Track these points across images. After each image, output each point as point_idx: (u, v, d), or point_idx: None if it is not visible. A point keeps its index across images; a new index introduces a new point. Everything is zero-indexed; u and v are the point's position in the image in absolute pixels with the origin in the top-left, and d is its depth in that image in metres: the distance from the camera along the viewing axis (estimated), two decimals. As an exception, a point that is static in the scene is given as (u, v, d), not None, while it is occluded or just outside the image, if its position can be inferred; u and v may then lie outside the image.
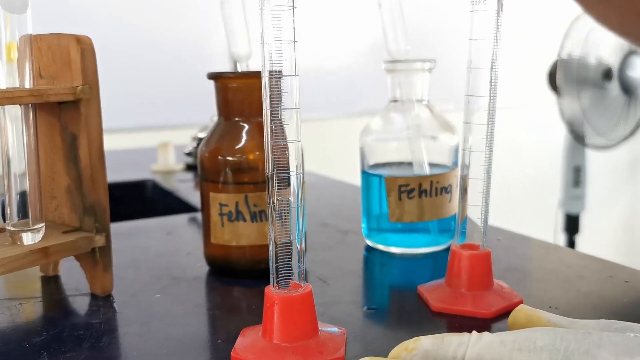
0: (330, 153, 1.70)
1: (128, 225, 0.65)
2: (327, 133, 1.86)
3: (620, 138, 2.17)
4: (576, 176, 2.20)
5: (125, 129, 1.57)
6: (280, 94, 0.33)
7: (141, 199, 0.92)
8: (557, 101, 2.05)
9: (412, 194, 0.51)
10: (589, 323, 0.31)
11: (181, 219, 0.68)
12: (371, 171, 0.54)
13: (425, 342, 0.28)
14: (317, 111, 1.86)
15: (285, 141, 0.33)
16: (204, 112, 1.53)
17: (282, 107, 0.33)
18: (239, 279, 0.47)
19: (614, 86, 1.93)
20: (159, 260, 0.53)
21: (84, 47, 0.42)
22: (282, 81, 0.32)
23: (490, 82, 0.39)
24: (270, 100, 0.33)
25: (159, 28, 1.59)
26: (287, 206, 0.34)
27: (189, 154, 1.02)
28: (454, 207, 0.53)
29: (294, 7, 0.32)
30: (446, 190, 0.52)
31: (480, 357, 0.26)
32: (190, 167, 1.01)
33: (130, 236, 0.61)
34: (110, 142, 1.44)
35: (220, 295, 0.46)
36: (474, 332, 0.28)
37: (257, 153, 0.47)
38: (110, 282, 0.45)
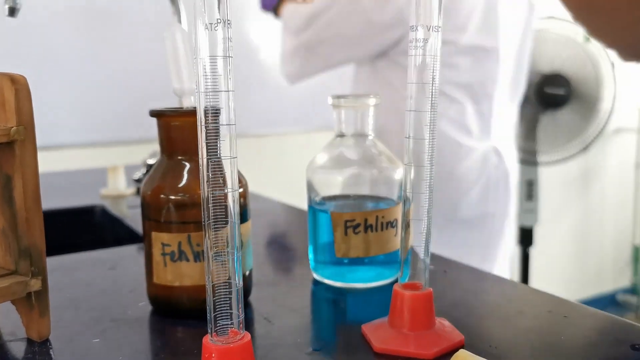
0: (290, 167, 1.69)
1: (71, 258, 0.63)
2: (288, 147, 1.85)
3: (572, 153, 2.23)
4: (529, 190, 2.25)
5: (80, 144, 1.53)
6: (218, 141, 0.33)
7: (90, 226, 0.90)
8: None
9: (358, 229, 0.51)
10: None
11: (127, 250, 0.67)
12: (318, 206, 0.54)
13: None
14: (278, 126, 1.85)
15: (224, 182, 0.33)
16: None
17: (221, 155, 0.33)
18: (182, 320, 0.47)
19: (566, 103, 1.98)
20: (100, 298, 0.52)
21: (18, 87, 0.41)
22: (219, 130, 0.32)
23: (430, 124, 0.40)
24: (207, 149, 0.32)
25: (107, 42, 1.56)
26: (224, 254, 0.34)
27: (138, 180, 1.00)
28: (399, 240, 0.53)
29: (228, 57, 0.32)
30: (392, 224, 0.52)
31: None
32: (141, 191, 0.99)
33: (72, 271, 0.59)
34: (62, 160, 1.41)
35: (163, 338, 0.45)
36: None
37: (200, 192, 0.46)
38: (47, 327, 0.43)
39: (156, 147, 1.05)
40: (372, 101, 0.52)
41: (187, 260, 0.46)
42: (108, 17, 1.55)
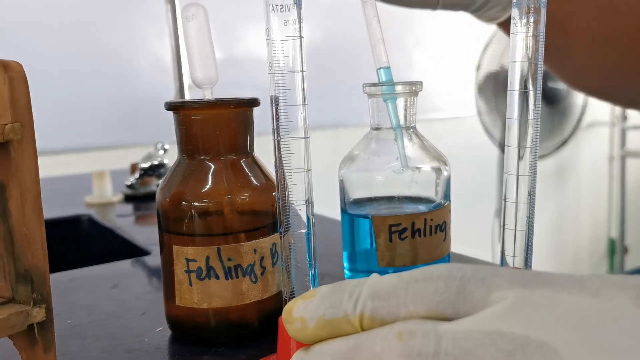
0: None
1: (64, 276, 0.56)
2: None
3: (549, 149, 2.21)
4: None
5: (55, 150, 1.44)
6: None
7: (76, 239, 0.81)
8: (479, 115, 2.08)
9: (404, 235, 0.45)
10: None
11: (126, 265, 0.60)
12: (355, 209, 0.47)
13: (323, 288, 0.25)
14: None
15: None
16: (140, 133, 1.43)
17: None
18: (210, 347, 0.40)
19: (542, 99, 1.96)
20: (108, 324, 0.44)
21: (13, 76, 0.34)
22: (287, 110, 0.27)
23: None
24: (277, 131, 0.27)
25: (88, 42, 1.47)
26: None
27: (130, 186, 0.92)
28: (448, 246, 0.47)
29: (301, 38, 0.26)
30: (441, 228, 0.46)
31: (376, 292, 0.23)
32: (129, 198, 0.91)
33: (68, 291, 0.52)
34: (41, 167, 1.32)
35: (192, 371, 0.38)
36: (375, 274, 0.25)
37: (229, 197, 0.39)
38: (53, 365, 0.36)
39: (146, 150, 0.96)
40: (413, 87, 0.46)
41: (217, 277, 0.39)
42: (92, 23, 1.47)
